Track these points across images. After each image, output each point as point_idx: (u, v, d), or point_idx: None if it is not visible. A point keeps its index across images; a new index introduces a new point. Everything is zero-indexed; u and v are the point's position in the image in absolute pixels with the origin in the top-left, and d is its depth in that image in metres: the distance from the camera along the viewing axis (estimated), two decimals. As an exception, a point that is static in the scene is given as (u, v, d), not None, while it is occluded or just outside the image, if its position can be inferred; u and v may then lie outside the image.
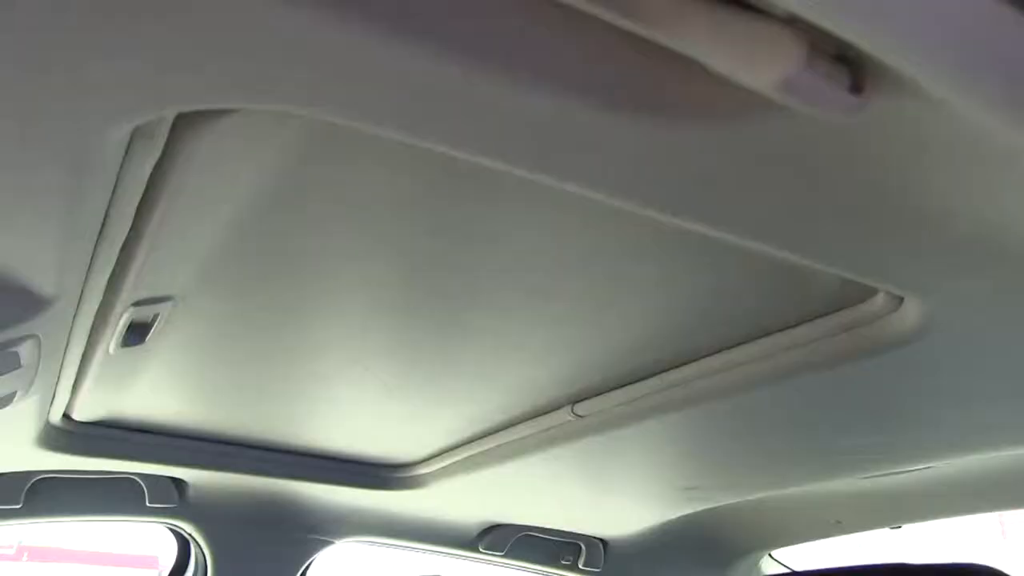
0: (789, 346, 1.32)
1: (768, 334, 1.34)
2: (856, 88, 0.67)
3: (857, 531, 2.88)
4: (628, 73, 0.72)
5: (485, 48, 0.68)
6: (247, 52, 0.67)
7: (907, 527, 2.56)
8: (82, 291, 1.16)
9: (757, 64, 0.64)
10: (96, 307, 1.24)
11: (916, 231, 0.94)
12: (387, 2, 0.64)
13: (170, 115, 0.79)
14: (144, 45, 0.65)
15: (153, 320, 1.32)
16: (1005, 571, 1.07)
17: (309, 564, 2.43)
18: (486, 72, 0.70)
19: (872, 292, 1.18)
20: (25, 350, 1.20)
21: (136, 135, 0.80)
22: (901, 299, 1.13)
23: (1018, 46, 0.58)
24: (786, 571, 2.80)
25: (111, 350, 1.40)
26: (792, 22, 0.61)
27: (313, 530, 2.40)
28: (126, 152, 0.83)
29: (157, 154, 0.85)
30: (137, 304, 1.24)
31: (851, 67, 0.66)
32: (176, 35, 0.65)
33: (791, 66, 0.63)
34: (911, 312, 1.14)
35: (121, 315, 1.27)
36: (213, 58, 0.68)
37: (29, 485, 2.03)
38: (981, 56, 0.60)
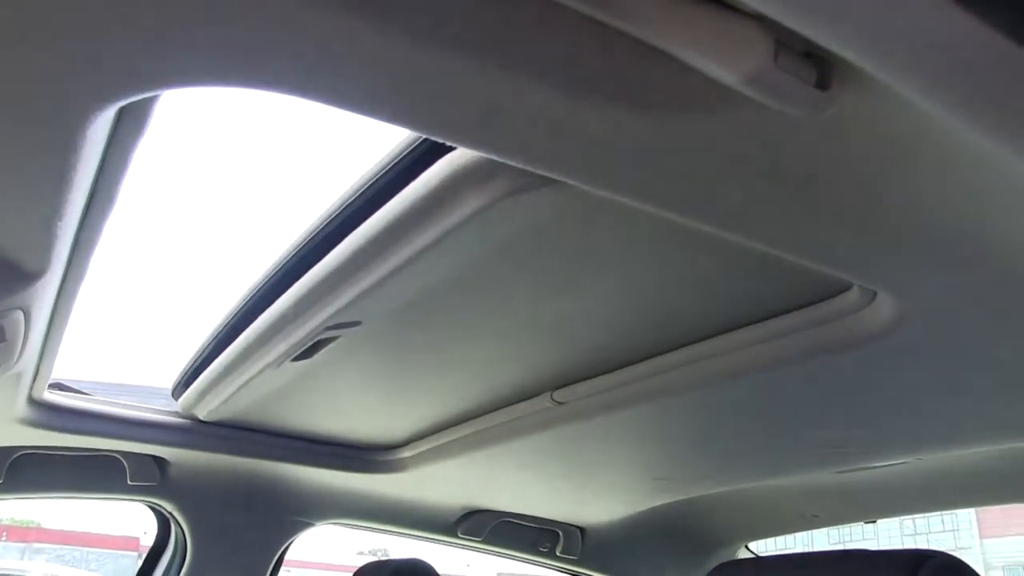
0: (763, 339, 1.34)
1: (743, 326, 1.36)
2: (823, 84, 0.69)
3: (833, 524, 2.92)
4: (606, 66, 0.73)
5: (468, 39, 0.69)
6: (234, 33, 0.68)
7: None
8: (68, 267, 1.17)
9: (726, 58, 0.66)
10: (82, 283, 1.25)
11: (888, 227, 0.96)
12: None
13: (157, 94, 0.80)
14: (131, 25, 0.66)
15: None
16: (959, 559, 1.10)
17: (288, 545, 2.44)
18: (465, 61, 0.71)
19: (845, 287, 1.19)
20: (9, 324, 1.21)
21: (122, 114, 0.81)
22: (874, 294, 1.15)
23: (976, 49, 0.60)
24: (751, 556, 2.83)
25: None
26: (760, 19, 0.62)
27: (293, 512, 2.41)
28: (112, 130, 0.84)
29: (144, 132, 0.86)
30: None
31: (818, 63, 0.68)
32: (163, 15, 0.66)
33: (758, 61, 0.65)
34: (884, 307, 1.16)
35: None
36: (200, 38, 0.69)
37: (10, 461, 2.03)
38: (939, 57, 0.62)
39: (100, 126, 0.80)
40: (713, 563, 2.77)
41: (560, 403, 1.72)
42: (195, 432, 2.10)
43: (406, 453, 2.19)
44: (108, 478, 2.15)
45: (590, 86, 0.75)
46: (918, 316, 1.16)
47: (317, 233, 1.24)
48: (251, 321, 1.53)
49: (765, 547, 3.27)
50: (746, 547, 2.86)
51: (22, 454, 2.04)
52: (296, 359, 1.57)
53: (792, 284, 1.24)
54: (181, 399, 2.05)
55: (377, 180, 1.09)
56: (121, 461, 2.14)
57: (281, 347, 1.51)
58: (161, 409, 2.10)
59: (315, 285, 1.29)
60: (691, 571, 2.74)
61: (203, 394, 1.93)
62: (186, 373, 1.99)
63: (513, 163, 0.86)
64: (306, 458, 2.22)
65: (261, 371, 1.66)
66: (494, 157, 0.85)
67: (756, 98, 0.69)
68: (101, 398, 2.03)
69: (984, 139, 0.72)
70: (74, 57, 0.69)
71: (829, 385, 1.47)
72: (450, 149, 0.97)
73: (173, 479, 2.21)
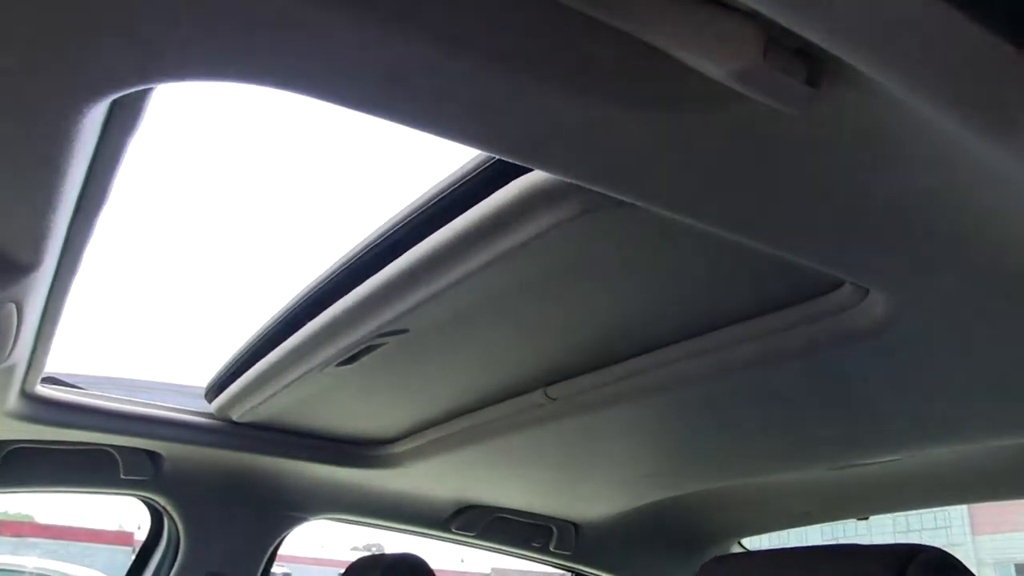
0: (755, 335, 1.34)
1: (735, 323, 1.37)
2: (813, 81, 0.69)
3: (826, 521, 2.93)
4: (597, 62, 0.73)
5: (458, 34, 0.70)
6: (228, 29, 0.68)
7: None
8: (61, 261, 1.17)
9: (716, 54, 0.66)
10: (75, 277, 1.25)
11: (879, 224, 0.96)
12: None
13: (150, 88, 0.80)
14: (123, 18, 0.66)
15: None
16: (949, 553, 1.11)
17: (281, 540, 2.44)
18: (457, 56, 0.71)
19: (838, 284, 1.20)
20: (1, 318, 1.21)
21: (115, 107, 0.81)
22: (866, 291, 1.16)
23: (971, 50, 0.61)
24: (744, 551, 2.84)
25: None
26: (752, 16, 0.63)
27: (286, 506, 2.41)
28: (105, 123, 0.84)
29: (138, 125, 0.86)
30: None
31: (809, 61, 0.69)
32: (155, 8, 0.66)
33: (748, 58, 0.65)
34: (876, 304, 1.16)
35: None
36: (193, 32, 0.69)
37: (3, 455, 2.03)
38: (931, 57, 0.62)
39: (93, 119, 0.80)
40: (706, 558, 2.78)
41: (554, 399, 1.72)
42: (188, 427, 2.10)
43: (400, 448, 2.19)
44: (101, 472, 2.15)
45: (582, 82, 0.75)
46: (910, 313, 1.16)
47: (381, 241, 1.28)
48: (300, 326, 1.56)
49: (760, 543, 3.28)
50: (739, 543, 2.87)
51: (14, 448, 2.03)
52: (340, 364, 1.60)
53: (784, 281, 1.24)
54: (216, 401, 2.08)
55: (447, 195, 1.13)
56: (114, 455, 2.14)
57: (330, 352, 1.55)
58: (154, 403, 2.10)
59: (375, 292, 1.32)
60: (684, 566, 2.75)
61: (241, 397, 1.96)
62: (223, 376, 2.01)
63: (500, 156, 0.87)
64: (300, 453, 2.22)
65: (304, 375, 1.69)
66: (479, 150, 0.85)
67: (747, 95, 0.70)
68: (95, 392, 2.03)
69: (975, 138, 0.72)
70: (67, 50, 0.69)
71: (821, 382, 1.47)
72: (522, 171, 1.01)
73: (166, 473, 2.21)
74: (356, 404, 2.02)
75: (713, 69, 0.68)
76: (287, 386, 1.79)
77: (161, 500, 2.26)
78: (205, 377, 2.15)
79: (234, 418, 2.11)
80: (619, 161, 0.86)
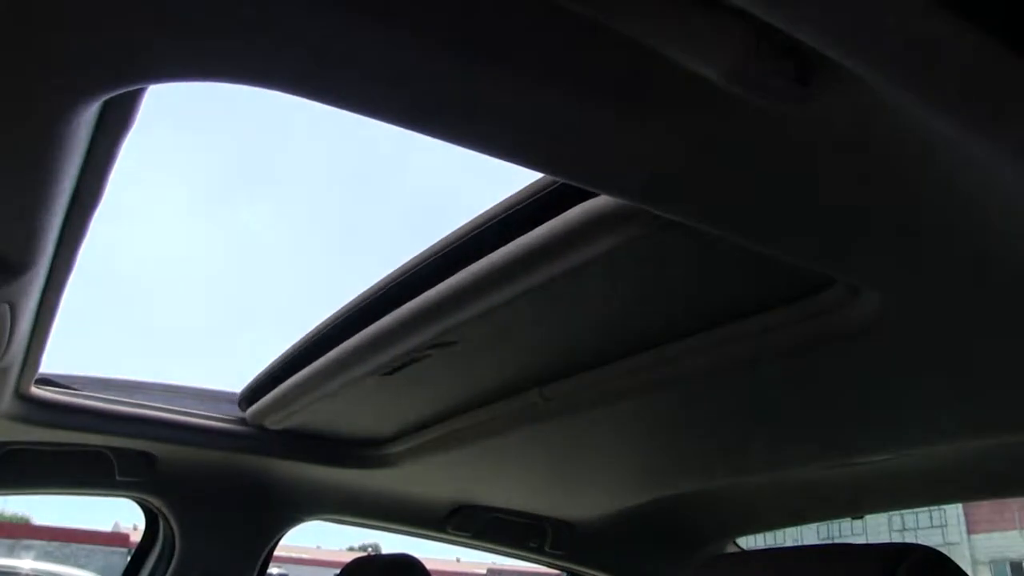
0: (748, 334, 1.34)
1: (728, 321, 1.37)
2: (804, 80, 0.70)
3: (820, 519, 2.93)
4: (589, 63, 0.74)
5: (449, 34, 0.70)
6: (218, 29, 0.69)
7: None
8: (54, 261, 1.17)
9: (707, 53, 0.66)
10: (69, 277, 1.25)
11: (870, 222, 0.97)
12: None
13: (143, 87, 0.80)
14: (116, 18, 0.66)
15: None
16: (941, 552, 1.11)
17: (277, 540, 2.44)
18: (452, 58, 0.72)
19: (829, 282, 1.20)
20: None
21: (107, 106, 0.81)
22: (857, 290, 1.16)
23: (968, 54, 0.61)
24: (738, 550, 2.84)
25: None
26: (741, 14, 0.63)
27: (281, 507, 2.41)
28: (97, 123, 0.84)
29: (131, 124, 0.86)
30: None
31: (799, 59, 0.69)
32: (147, 8, 0.66)
33: (737, 56, 0.65)
34: (867, 303, 1.17)
35: None
36: (184, 34, 0.69)
37: None
38: (917, 54, 0.62)
39: (85, 119, 0.80)
40: (701, 558, 2.79)
41: (548, 399, 1.73)
42: (183, 427, 2.10)
43: (395, 448, 2.19)
44: (96, 473, 2.15)
45: (574, 82, 0.75)
46: (901, 311, 1.17)
47: (443, 254, 1.30)
48: (348, 337, 1.58)
49: (755, 542, 3.29)
50: (734, 542, 2.87)
51: (8, 449, 2.03)
52: (385, 375, 1.63)
53: (775, 280, 1.24)
54: (251, 410, 2.10)
55: (511, 214, 1.17)
56: (109, 456, 2.14)
57: (379, 362, 1.57)
58: (149, 404, 2.10)
59: (433, 305, 1.35)
60: (679, 565, 2.75)
61: (279, 406, 1.98)
62: (259, 385, 2.03)
63: (491, 156, 0.87)
64: (295, 453, 2.22)
65: (347, 385, 1.72)
66: (470, 149, 0.86)
67: (736, 93, 0.70)
68: (89, 393, 2.03)
69: (966, 136, 0.73)
70: (58, 51, 0.69)
71: (814, 381, 1.48)
72: (588, 195, 1.04)
73: (161, 474, 2.21)
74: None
75: (702, 68, 0.69)
76: (329, 395, 1.81)
77: (156, 501, 2.26)
78: (202, 380, 2.16)
79: (268, 426, 2.13)
80: (609, 160, 0.87)
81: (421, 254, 1.36)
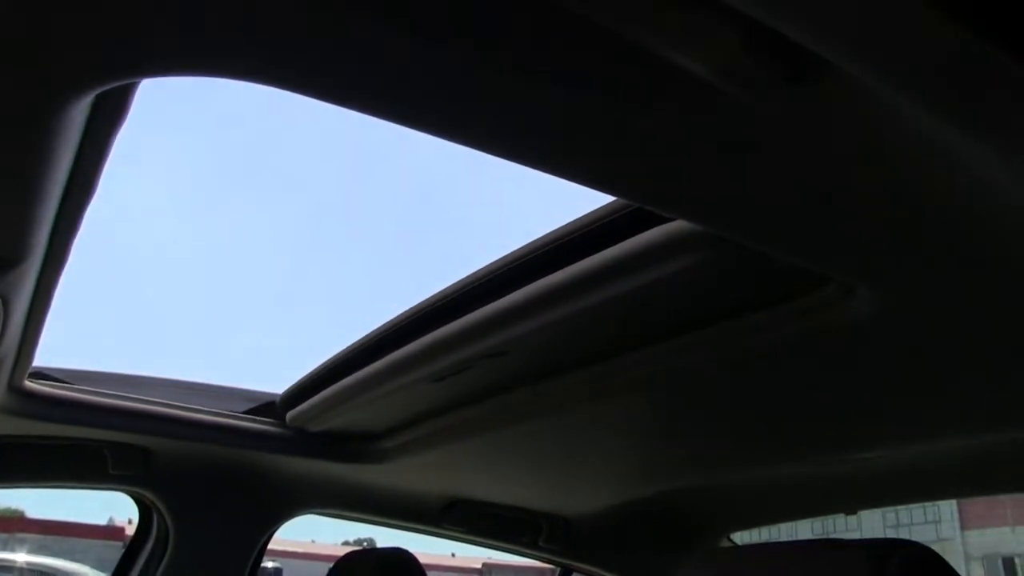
0: (743, 331, 1.35)
1: (723, 319, 1.37)
2: (794, 78, 0.69)
3: (815, 516, 2.94)
4: (581, 57, 0.74)
5: (445, 31, 0.70)
6: (215, 24, 0.68)
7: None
8: (47, 255, 1.17)
9: (696, 49, 0.66)
10: (62, 271, 1.24)
11: (865, 219, 0.97)
12: None
13: (135, 82, 0.80)
14: (107, 12, 0.66)
15: None
16: (931, 549, 1.12)
17: (271, 534, 2.44)
18: (450, 56, 0.71)
19: (825, 279, 1.20)
20: None
21: (99, 101, 0.81)
22: (853, 287, 1.16)
23: (946, 48, 0.61)
24: (731, 545, 2.85)
25: None
26: (730, 10, 0.63)
27: (275, 501, 2.41)
28: (90, 117, 0.83)
29: (124, 118, 0.86)
30: None
31: (789, 56, 0.69)
32: (143, 4, 0.66)
33: (726, 53, 0.65)
34: (863, 300, 1.17)
35: None
36: (180, 28, 0.69)
37: None
38: (909, 54, 0.62)
39: (77, 113, 0.80)
40: (695, 553, 2.80)
41: (542, 394, 1.73)
42: (177, 421, 2.10)
43: (390, 443, 2.19)
44: (89, 467, 2.14)
45: (565, 77, 0.75)
46: (896, 309, 1.17)
47: (514, 266, 1.34)
48: (402, 345, 1.61)
49: (749, 537, 3.30)
50: (728, 538, 2.88)
51: (1, 443, 2.03)
52: (433, 381, 1.67)
53: (770, 277, 1.24)
54: (292, 413, 2.12)
55: (582, 233, 1.21)
56: (103, 450, 2.13)
57: (432, 369, 1.61)
58: (143, 399, 2.09)
59: (493, 318, 1.39)
60: (673, 560, 2.76)
61: (323, 410, 2.01)
62: (302, 389, 2.06)
63: (481, 150, 0.87)
64: (289, 447, 2.22)
65: (394, 391, 1.75)
66: (470, 147, 0.86)
67: (726, 89, 0.70)
68: (83, 387, 2.02)
69: (960, 136, 0.73)
70: (50, 45, 0.69)
71: (809, 377, 1.48)
72: (660, 220, 1.08)
73: (155, 468, 2.20)
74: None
75: (691, 65, 0.68)
76: (374, 400, 1.85)
77: (150, 495, 2.26)
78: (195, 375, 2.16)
79: (310, 430, 2.16)
80: (600, 156, 0.87)
81: (488, 266, 1.40)
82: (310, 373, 2.01)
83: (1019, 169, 0.79)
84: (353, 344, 1.80)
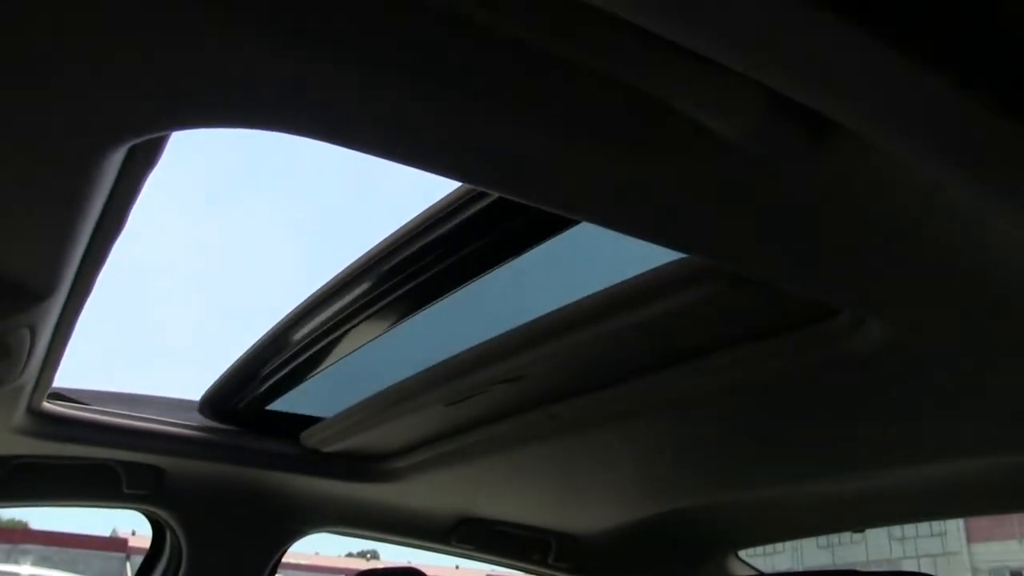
0: (754, 358, 1.37)
1: (735, 345, 1.39)
2: (815, 136, 0.71)
3: (822, 533, 2.94)
4: (607, 112, 0.76)
5: (455, 78, 0.72)
6: (243, 80, 0.71)
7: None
8: (73, 287, 1.19)
9: (718, 111, 0.68)
10: (86, 301, 1.27)
11: (876, 254, 0.99)
12: (382, 43, 0.68)
13: (168, 133, 0.82)
14: (142, 72, 0.69)
15: None
16: None
17: (283, 552, 2.45)
18: (460, 102, 0.74)
19: (835, 311, 1.22)
20: (16, 342, 1.23)
21: (134, 149, 0.84)
22: (863, 318, 1.18)
23: (957, 114, 0.63)
24: (753, 572, 2.85)
25: None
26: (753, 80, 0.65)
27: (288, 519, 2.42)
28: (124, 162, 0.86)
29: (154, 165, 0.89)
30: None
31: (811, 117, 0.71)
32: (172, 64, 0.68)
33: (750, 115, 0.67)
34: (873, 331, 1.19)
35: None
36: (209, 84, 0.72)
37: (8, 469, 2.03)
38: (925, 123, 0.64)
39: (112, 162, 0.82)
40: (704, 570, 2.80)
41: (556, 417, 1.74)
42: (191, 441, 2.11)
43: (402, 463, 2.20)
44: (104, 486, 2.16)
45: (584, 128, 0.78)
46: (904, 340, 1.19)
47: None
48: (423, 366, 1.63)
49: (754, 551, 3.29)
50: (736, 555, 2.89)
51: (19, 462, 2.04)
52: (448, 405, 1.69)
53: (783, 306, 1.26)
54: (306, 433, 2.15)
55: None
56: (117, 469, 2.15)
57: (448, 393, 1.64)
58: (156, 419, 2.11)
59: (514, 342, 1.43)
60: (683, 578, 2.76)
61: (337, 431, 2.05)
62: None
63: (496, 192, 0.90)
64: (302, 467, 2.23)
65: (408, 413, 1.79)
66: (484, 189, 0.88)
67: (753, 151, 0.72)
68: (99, 408, 2.04)
69: (972, 191, 0.75)
70: (91, 99, 0.72)
71: (819, 403, 1.50)
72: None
73: (169, 487, 2.22)
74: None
75: (715, 124, 0.70)
76: (389, 422, 1.88)
77: (163, 513, 2.27)
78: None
79: (324, 450, 2.18)
80: (617, 199, 0.89)
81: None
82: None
83: (1019, 214, 0.82)
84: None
